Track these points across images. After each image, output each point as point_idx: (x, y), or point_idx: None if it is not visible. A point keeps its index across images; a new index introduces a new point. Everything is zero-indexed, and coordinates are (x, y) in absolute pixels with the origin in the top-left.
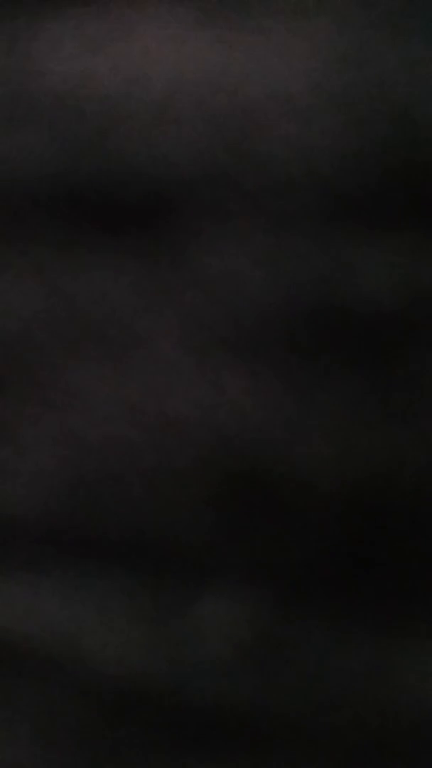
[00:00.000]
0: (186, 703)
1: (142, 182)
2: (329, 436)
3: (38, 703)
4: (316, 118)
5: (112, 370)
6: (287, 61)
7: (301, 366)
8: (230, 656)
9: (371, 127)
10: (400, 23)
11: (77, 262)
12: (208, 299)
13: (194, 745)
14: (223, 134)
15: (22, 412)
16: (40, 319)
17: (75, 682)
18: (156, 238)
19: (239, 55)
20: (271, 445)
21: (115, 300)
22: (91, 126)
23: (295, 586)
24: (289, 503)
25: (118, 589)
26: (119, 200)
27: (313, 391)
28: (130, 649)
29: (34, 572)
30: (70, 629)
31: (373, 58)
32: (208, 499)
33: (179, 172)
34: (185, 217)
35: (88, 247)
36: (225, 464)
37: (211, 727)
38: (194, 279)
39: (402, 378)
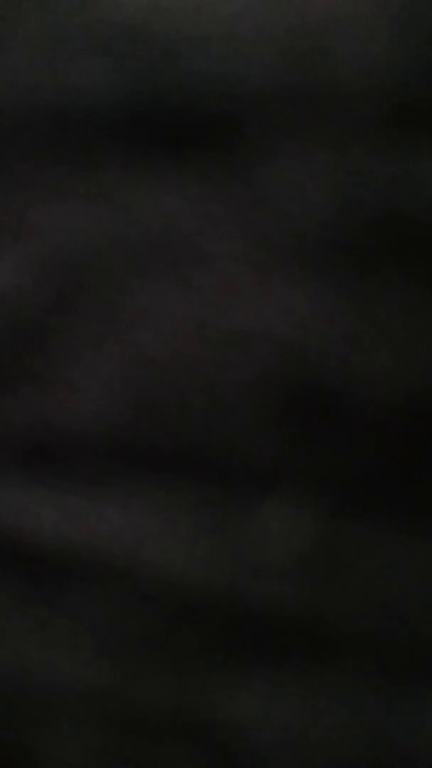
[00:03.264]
0: (246, 609)
1: (207, 102)
2: (389, 347)
3: (102, 613)
4: (379, 37)
5: (178, 289)
6: None
7: (361, 278)
8: (290, 563)
9: (431, 44)
10: None
11: (143, 185)
12: (270, 217)
13: (254, 649)
14: (290, 53)
15: (90, 332)
16: (107, 241)
17: (138, 591)
18: (221, 158)
19: None
20: (332, 357)
21: (181, 221)
22: (159, 51)
23: (354, 495)
24: (349, 414)
25: (181, 500)
26: (185, 122)
27: (373, 303)
28: (193, 557)
29: (99, 485)
30: (133, 539)
31: None
32: (271, 411)
33: (245, 91)
34: (250, 137)
35: (154, 170)
36: (287, 377)
37: (270, 631)
38: (258, 198)
39: None
